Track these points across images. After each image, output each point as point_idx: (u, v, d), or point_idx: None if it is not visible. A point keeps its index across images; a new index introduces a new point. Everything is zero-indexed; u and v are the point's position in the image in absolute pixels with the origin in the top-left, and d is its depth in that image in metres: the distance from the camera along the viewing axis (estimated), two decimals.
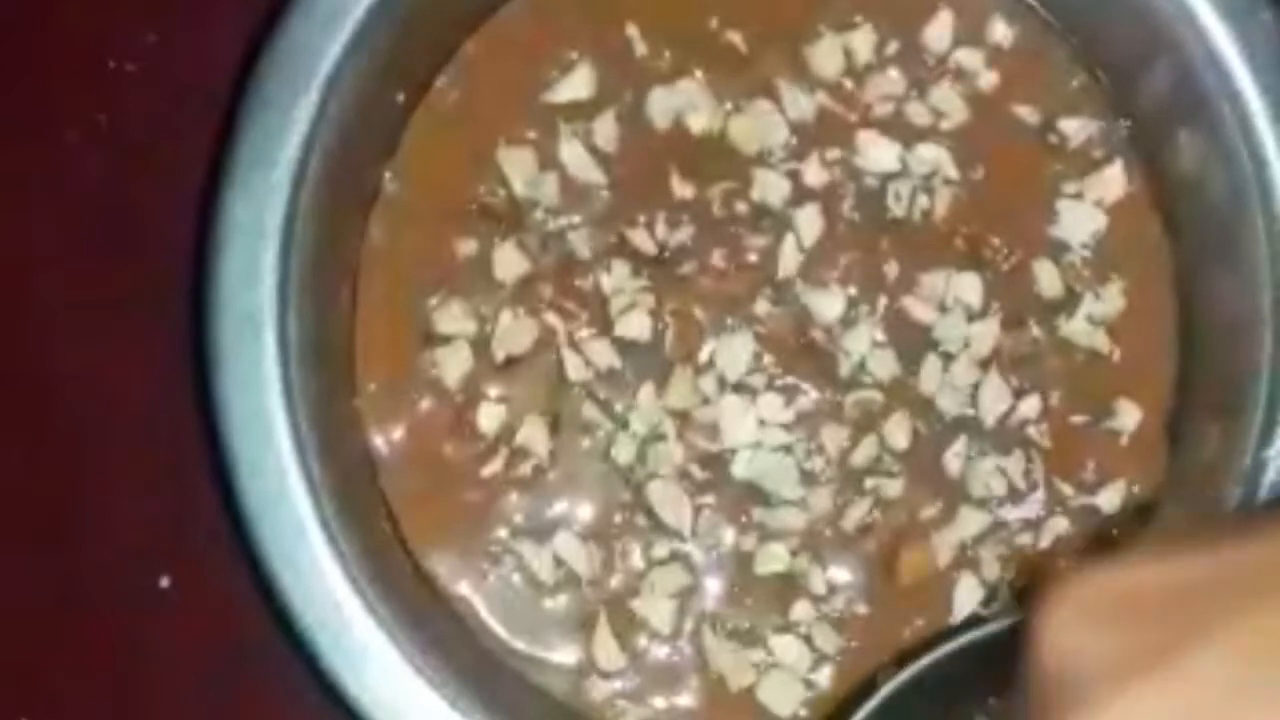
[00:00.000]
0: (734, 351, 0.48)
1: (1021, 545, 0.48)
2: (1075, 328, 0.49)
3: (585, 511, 0.48)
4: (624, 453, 0.47)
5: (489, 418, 0.48)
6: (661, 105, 0.48)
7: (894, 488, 0.48)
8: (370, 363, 0.48)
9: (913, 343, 0.48)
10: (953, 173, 0.49)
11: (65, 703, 0.49)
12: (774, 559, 0.47)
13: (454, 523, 0.48)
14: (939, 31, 0.49)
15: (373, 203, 0.49)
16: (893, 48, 0.49)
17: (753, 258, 0.48)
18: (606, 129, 0.48)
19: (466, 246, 0.48)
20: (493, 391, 0.48)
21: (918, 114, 0.49)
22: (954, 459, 0.48)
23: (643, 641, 0.47)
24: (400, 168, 0.49)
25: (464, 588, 0.48)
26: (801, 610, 0.47)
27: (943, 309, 0.48)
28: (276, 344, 0.44)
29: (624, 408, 0.48)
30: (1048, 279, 0.49)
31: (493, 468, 0.48)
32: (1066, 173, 0.49)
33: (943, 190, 0.49)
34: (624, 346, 0.48)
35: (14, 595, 0.50)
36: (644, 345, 0.48)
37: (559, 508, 0.48)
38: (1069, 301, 0.49)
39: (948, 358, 0.48)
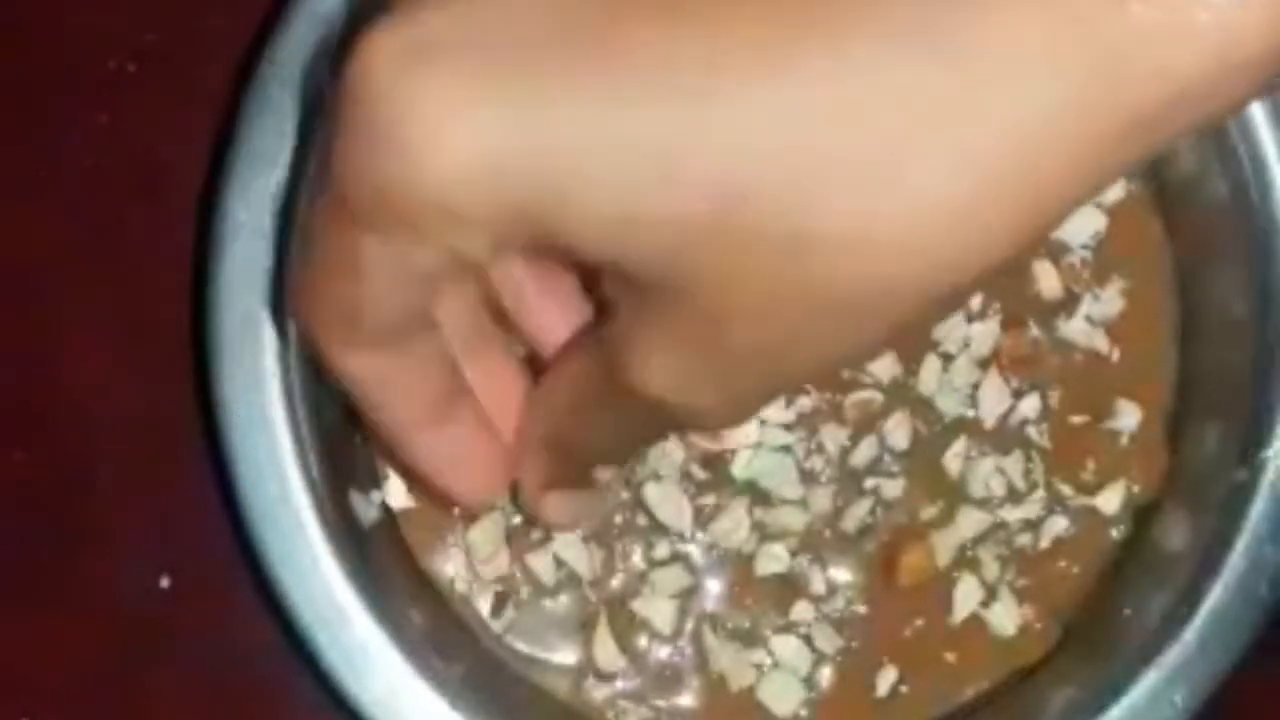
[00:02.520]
0: None
1: (1021, 546, 0.48)
2: (1075, 328, 0.49)
3: None
4: None
5: None
6: None
7: (894, 488, 0.48)
8: None
9: (912, 343, 0.48)
10: None
11: (65, 703, 0.49)
12: (774, 559, 0.47)
13: (454, 523, 0.48)
14: None
15: None
16: None
17: None
18: None
19: None
20: None
21: None
22: (954, 459, 0.48)
23: (643, 642, 0.48)
24: None
25: (464, 588, 0.48)
26: (801, 610, 0.47)
27: None
28: (276, 344, 0.44)
29: None
30: (1047, 280, 0.49)
31: None
32: None
33: None
34: None
35: (14, 595, 0.49)
36: None
37: None
38: (1069, 302, 0.49)
39: (947, 358, 0.48)
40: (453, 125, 0.29)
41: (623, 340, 0.32)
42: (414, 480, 0.39)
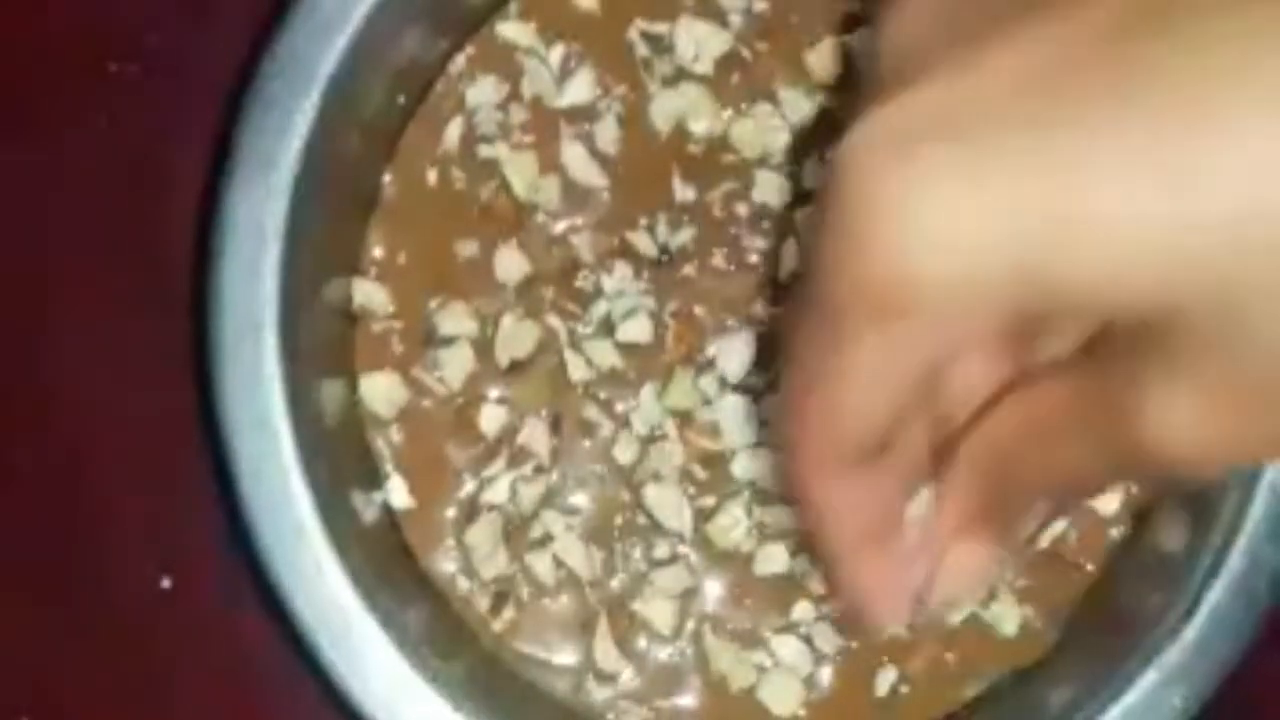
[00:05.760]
0: (735, 352, 0.48)
1: (1021, 546, 0.48)
2: None
3: (586, 512, 0.48)
4: (625, 453, 0.48)
5: (490, 419, 0.48)
6: (663, 108, 0.49)
7: None
8: (371, 364, 0.48)
9: None
10: None
11: (65, 703, 0.49)
12: (774, 559, 0.48)
13: (454, 523, 0.48)
14: None
15: (374, 204, 0.49)
16: None
17: (754, 259, 0.48)
18: (608, 132, 0.48)
19: (468, 248, 0.48)
20: (494, 393, 0.48)
21: None
22: None
23: (643, 642, 0.48)
24: (401, 170, 0.49)
25: (464, 588, 0.48)
26: (801, 610, 0.48)
27: None
28: (278, 345, 0.44)
29: (625, 408, 0.48)
30: None
31: (494, 469, 0.48)
32: None
33: None
34: (625, 347, 0.48)
35: (14, 594, 0.50)
36: (645, 346, 0.48)
37: (560, 509, 0.48)
38: None
39: None
40: (958, 203, 0.29)
41: (1128, 395, 0.31)
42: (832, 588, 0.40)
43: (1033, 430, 0.34)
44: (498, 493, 0.48)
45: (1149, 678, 0.45)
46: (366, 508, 0.47)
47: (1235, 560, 0.45)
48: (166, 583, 0.49)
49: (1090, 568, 0.48)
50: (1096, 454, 0.32)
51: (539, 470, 0.48)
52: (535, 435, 0.48)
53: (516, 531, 0.48)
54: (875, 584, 0.37)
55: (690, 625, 0.48)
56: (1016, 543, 0.40)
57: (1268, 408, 0.30)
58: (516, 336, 0.48)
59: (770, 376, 0.48)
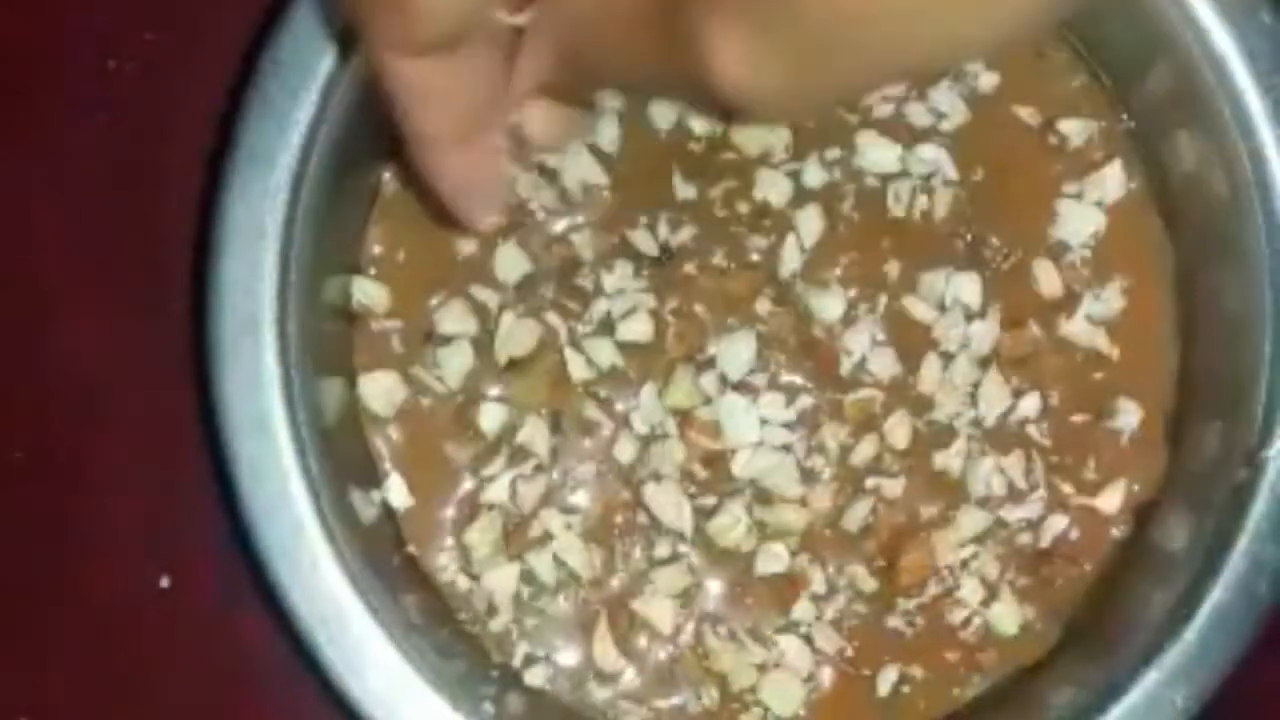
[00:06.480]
0: (735, 350, 0.48)
1: (1021, 545, 0.48)
2: (1075, 328, 0.49)
3: (586, 511, 0.48)
4: (625, 452, 0.47)
5: (490, 417, 0.48)
6: (663, 107, 0.48)
7: (894, 487, 0.48)
8: (370, 362, 0.48)
9: (913, 342, 0.48)
10: (952, 173, 0.49)
11: (65, 703, 0.49)
12: (774, 558, 0.47)
13: (454, 522, 0.48)
14: None
15: (373, 203, 0.49)
16: None
17: (754, 257, 0.48)
18: (609, 130, 0.48)
19: (467, 246, 0.48)
20: (493, 391, 0.48)
21: (918, 114, 0.49)
22: (954, 459, 0.48)
23: (643, 642, 0.48)
24: (400, 168, 0.49)
25: (464, 587, 0.48)
26: (801, 610, 0.47)
27: (942, 308, 0.48)
28: (277, 344, 0.44)
29: (626, 407, 0.48)
30: (1047, 279, 0.49)
31: (493, 467, 0.48)
32: (1066, 173, 0.49)
33: (943, 190, 0.49)
34: (626, 346, 0.48)
35: (14, 594, 0.50)
36: (646, 345, 0.48)
37: (560, 507, 0.48)
38: (1069, 301, 0.49)
39: (947, 357, 0.48)
40: None
41: (691, 7, 0.30)
42: (432, 198, 0.42)
43: (605, 10, 0.33)
44: (497, 491, 0.48)
45: (1150, 677, 0.45)
46: (365, 507, 0.47)
47: (1236, 560, 0.45)
48: (165, 582, 0.49)
49: (1090, 568, 0.48)
50: (658, 51, 0.32)
51: (539, 469, 0.48)
52: (535, 434, 0.47)
53: (516, 530, 0.48)
54: (465, 175, 0.39)
55: (690, 625, 0.48)
56: (593, 104, 0.43)
57: (813, 63, 0.29)
58: (516, 335, 0.48)
59: (769, 375, 0.48)
